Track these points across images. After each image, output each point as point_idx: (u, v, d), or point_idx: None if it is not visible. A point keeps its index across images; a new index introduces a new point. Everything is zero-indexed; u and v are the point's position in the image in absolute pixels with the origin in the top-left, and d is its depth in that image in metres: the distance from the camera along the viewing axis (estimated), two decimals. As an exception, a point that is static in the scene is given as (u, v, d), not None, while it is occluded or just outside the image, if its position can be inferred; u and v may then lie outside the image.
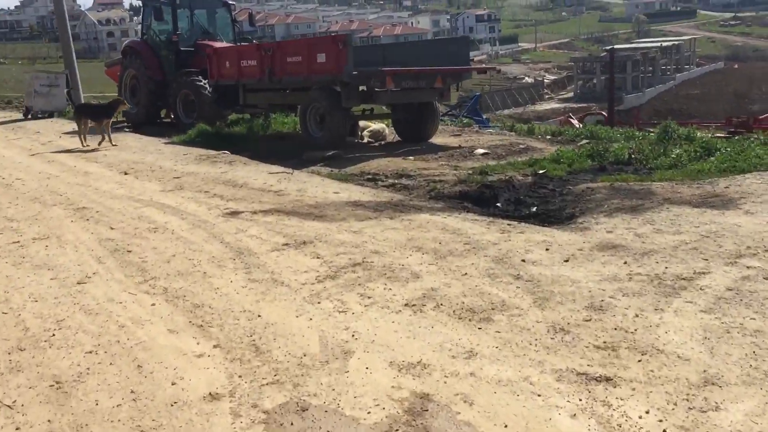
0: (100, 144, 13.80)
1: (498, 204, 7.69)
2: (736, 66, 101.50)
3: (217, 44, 17.13)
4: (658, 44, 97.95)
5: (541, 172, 8.89)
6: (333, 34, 12.99)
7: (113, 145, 13.95)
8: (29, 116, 21.28)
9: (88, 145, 13.69)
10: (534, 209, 7.36)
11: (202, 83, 16.08)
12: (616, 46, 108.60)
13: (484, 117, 20.41)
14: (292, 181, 9.33)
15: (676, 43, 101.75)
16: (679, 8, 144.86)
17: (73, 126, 17.82)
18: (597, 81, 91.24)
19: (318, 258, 5.92)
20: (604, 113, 20.56)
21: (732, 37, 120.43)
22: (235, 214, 7.66)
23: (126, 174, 10.56)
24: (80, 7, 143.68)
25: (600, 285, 4.90)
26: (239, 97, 14.84)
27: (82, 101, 22.57)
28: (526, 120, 72.83)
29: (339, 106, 12.12)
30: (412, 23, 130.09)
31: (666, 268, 5.16)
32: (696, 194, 7.20)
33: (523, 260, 5.52)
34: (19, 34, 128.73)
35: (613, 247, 5.70)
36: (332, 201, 8.00)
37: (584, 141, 12.07)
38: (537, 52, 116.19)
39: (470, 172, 9.39)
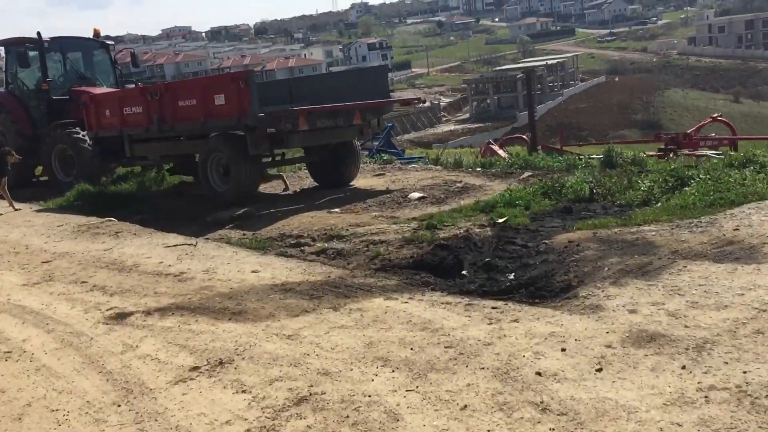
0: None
1: (464, 272, 6.05)
2: (617, 79, 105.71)
3: (96, 90, 14.89)
4: (544, 62, 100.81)
5: (500, 221, 7.34)
6: (231, 72, 11.05)
7: (16, 210, 11.59)
8: None
9: None
10: (512, 277, 5.75)
11: (80, 135, 13.79)
12: (503, 67, 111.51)
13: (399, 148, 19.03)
14: (196, 257, 7.38)
15: (560, 60, 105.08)
16: (558, 27, 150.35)
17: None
18: (491, 101, 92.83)
19: (243, 392, 4.07)
20: (524, 137, 19.47)
21: (610, 52, 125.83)
22: (121, 317, 5.67)
23: (-19, 261, 8.31)
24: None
25: (670, 415, 3.31)
26: (125, 148, 12.70)
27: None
28: (427, 143, 72.84)
29: (245, 153, 10.25)
30: (305, 55, 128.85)
31: (745, 372, 3.63)
32: (705, 242, 5.80)
33: (539, 373, 3.87)
34: None
35: (651, 339, 4.14)
36: (252, 285, 6.13)
37: (526, 174, 10.70)
38: (430, 76, 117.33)
39: (414, 226, 7.74)
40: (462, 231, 7.19)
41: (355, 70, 12.81)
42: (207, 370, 4.44)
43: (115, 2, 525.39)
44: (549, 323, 4.55)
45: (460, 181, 10.89)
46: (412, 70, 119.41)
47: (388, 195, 10.21)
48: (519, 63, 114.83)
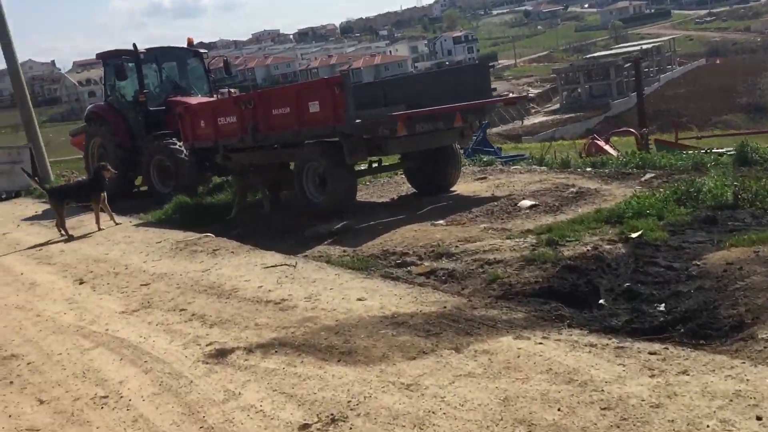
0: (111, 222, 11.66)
1: (601, 301, 5.23)
2: (718, 61, 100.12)
3: (191, 100, 14.77)
4: (638, 47, 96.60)
5: (634, 236, 6.44)
6: (326, 77, 10.52)
7: (117, 224, 11.60)
8: (-8, 199, 18.86)
9: (71, 236, 11.26)
10: (662, 308, 4.89)
11: (177, 146, 13.70)
12: (595, 54, 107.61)
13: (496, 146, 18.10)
14: (296, 280, 6.86)
15: (655, 44, 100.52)
16: (653, 10, 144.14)
17: (35, 208, 15.47)
18: (582, 90, 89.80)
19: (363, 463, 3.45)
20: (632, 130, 18.12)
21: (709, 33, 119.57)
22: (222, 354, 5.18)
23: (81, 283, 8.09)
24: (60, 70, 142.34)
25: None
26: (219, 156, 12.43)
27: (50, 175, 20.23)
28: (516, 136, 70.96)
29: (342, 162, 9.71)
30: (390, 52, 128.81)
31: None
32: None
33: (733, 452, 3.06)
34: (1, 102, 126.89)
35: None
36: (359, 317, 5.52)
37: (648, 176, 9.67)
38: (518, 67, 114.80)
39: (532, 241, 6.95)
40: (590, 248, 6.35)
41: (454, 68, 12.04)
42: (318, 429, 3.85)
43: (208, 10, 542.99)
44: (729, 377, 3.70)
45: (573, 185, 9.97)
46: (499, 61, 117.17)
47: (495, 203, 9.42)
48: (611, 49, 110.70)
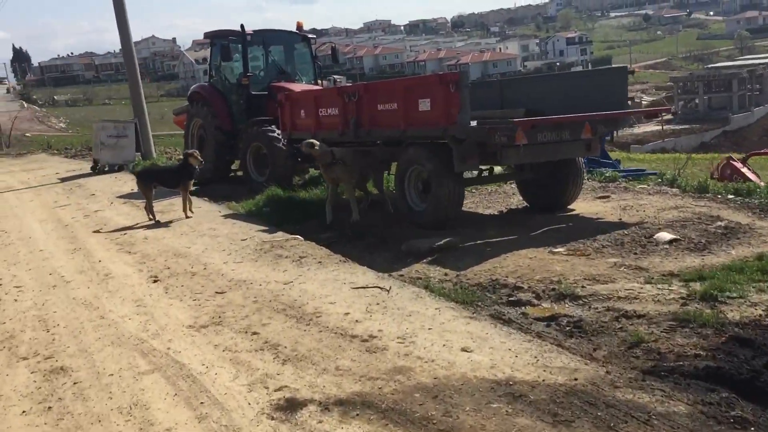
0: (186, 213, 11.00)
1: (793, 398, 3.87)
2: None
3: (295, 86, 13.98)
4: (766, 60, 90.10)
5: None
6: (440, 73, 9.32)
7: (190, 214, 10.99)
8: (96, 170, 18.86)
9: (158, 221, 10.72)
10: None
11: (275, 134, 12.93)
12: (717, 64, 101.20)
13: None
14: (389, 310, 5.78)
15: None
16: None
17: (133, 185, 15.10)
18: (700, 101, 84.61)
19: None
20: (771, 152, 16.00)
21: None
22: (292, 408, 4.16)
23: (156, 281, 7.33)
24: (180, 47, 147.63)
25: None
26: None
27: (153, 153, 20.08)
28: (625, 144, 67.39)
29: (449, 169, 8.57)
30: (500, 49, 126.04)
31: None
32: None
33: None
34: (123, 75, 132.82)
35: None
36: (464, 377, 4.38)
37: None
38: (632, 73, 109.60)
39: (681, 291, 5.59)
40: (763, 312, 4.94)
41: (586, 71, 10.60)
42: None
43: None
44: None
45: (717, 216, 8.43)
46: (613, 66, 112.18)
47: (625, 231, 8.02)
48: (735, 60, 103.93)
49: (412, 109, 8.83)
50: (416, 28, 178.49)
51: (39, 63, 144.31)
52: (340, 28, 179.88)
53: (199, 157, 11.23)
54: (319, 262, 7.47)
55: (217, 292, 6.71)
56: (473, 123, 8.13)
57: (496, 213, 10.17)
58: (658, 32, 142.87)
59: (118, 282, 7.44)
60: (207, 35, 15.35)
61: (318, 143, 9.59)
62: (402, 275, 7.00)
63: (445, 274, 6.92)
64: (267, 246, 8.42)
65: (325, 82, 15.88)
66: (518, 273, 6.66)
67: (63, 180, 17.91)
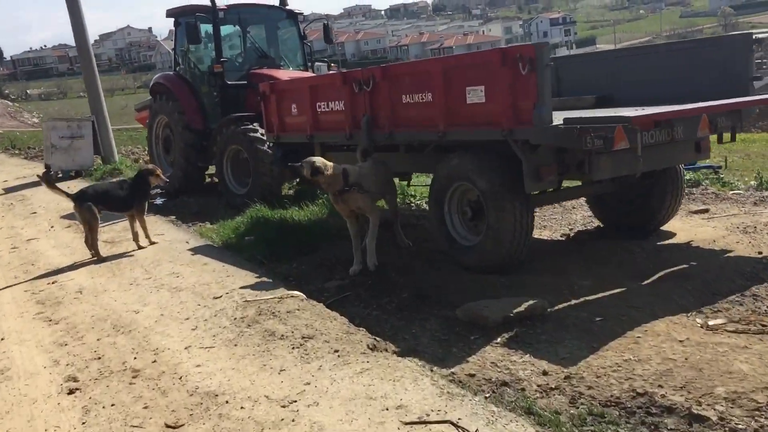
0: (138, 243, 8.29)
1: None
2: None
3: (281, 74, 11.11)
4: (752, 37, 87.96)
5: None
6: (504, 47, 6.39)
7: (144, 244, 8.22)
8: (46, 179, 15.82)
9: (103, 258, 7.92)
10: None
11: (258, 134, 10.09)
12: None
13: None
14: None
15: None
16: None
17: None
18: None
19: None
20: None
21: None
22: None
23: (71, 392, 4.50)
24: (156, 37, 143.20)
25: None
26: (316, 153, 8.75)
27: (115, 155, 17.08)
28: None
29: (514, 188, 5.82)
30: (483, 31, 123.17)
31: None
32: None
33: None
34: (98, 67, 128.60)
35: None
36: None
37: None
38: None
39: None
40: None
41: (693, 42, 7.78)
42: None
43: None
44: None
45: None
46: (597, 46, 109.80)
47: (788, 278, 5.31)
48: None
49: (457, 102, 6.04)
50: (397, 12, 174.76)
51: (11, 56, 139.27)
52: (321, 14, 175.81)
53: (163, 176, 8.42)
54: (336, 351, 4.65)
55: (168, 426, 3.90)
56: (560, 122, 5.34)
57: (560, 237, 7.43)
58: (641, 11, 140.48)
59: (13, 393, 4.61)
60: (169, 13, 12.38)
61: (328, 164, 6.61)
62: (474, 376, 4.23)
63: (545, 373, 4.16)
64: (252, 312, 5.60)
65: (315, 69, 12.96)
66: (676, 378, 3.91)
67: (7, 191, 14.90)
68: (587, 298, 5.25)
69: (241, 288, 6.28)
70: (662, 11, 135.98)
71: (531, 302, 5.00)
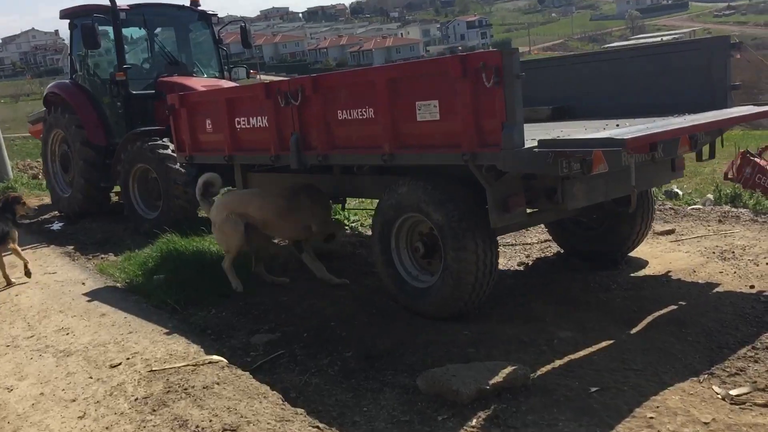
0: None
1: None
2: (738, 56, 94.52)
3: (193, 82, 9.85)
4: (659, 39, 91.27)
5: None
6: (466, 53, 5.41)
7: (15, 281, 6.84)
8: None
9: None
10: None
11: (168, 151, 8.82)
12: (612, 45, 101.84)
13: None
14: None
15: (675, 36, 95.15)
16: (670, 1, 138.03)
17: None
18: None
19: None
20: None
21: (728, 27, 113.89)
22: None
23: None
24: (63, 40, 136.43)
25: None
26: (236, 179, 7.59)
27: (10, 173, 15.26)
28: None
29: (476, 221, 4.88)
30: (402, 34, 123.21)
31: None
32: None
33: None
34: (2, 72, 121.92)
35: None
36: None
37: None
38: (531, 55, 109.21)
39: None
40: None
41: (664, 46, 6.97)
42: None
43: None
44: None
45: None
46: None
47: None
48: (628, 40, 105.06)
49: (405, 119, 5.03)
50: (315, 14, 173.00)
51: None
52: (236, 16, 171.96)
53: (29, 206, 7.12)
54: (270, 450, 3.55)
55: None
56: (534, 145, 4.40)
57: (518, 267, 6.55)
58: (553, 14, 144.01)
59: None
60: (63, 14, 10.86)
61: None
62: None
63: (543, 477, 3.20)
64: (159, 388, 4.41)
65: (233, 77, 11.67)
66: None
67: None
68: (572, 356, 4.33)
69: (147, 349, 5.08)
70: (573, 14, 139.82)
71: (509, 369, 4.03)
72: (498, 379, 3.96)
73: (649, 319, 4.80)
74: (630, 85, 6.22)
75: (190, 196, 8.87)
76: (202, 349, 5.01)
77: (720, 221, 7.36)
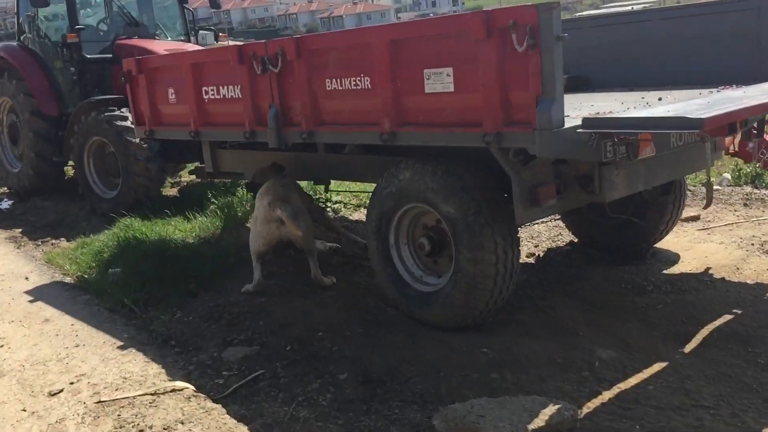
0: None
1: None
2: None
3: (155, 45, 8.74)
4: (630, 7, 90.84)
5: None
6: (492, 10, 4.46)
7: None
8: None
9: None
10: None
11: (128, 123, 7.73)
12: (582, 13, 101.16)
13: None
14: None
15: (647, 5, 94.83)
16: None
17: None
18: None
19: None
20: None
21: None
22: None
23: None
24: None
25: None
26: (204, 156, 6.59)
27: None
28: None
29: (497, 215, 4.01)
30: (372, 0, 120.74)
31: None
32: None
33: None
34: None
35: None
36: None
37: None
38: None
39: None
40: None
41: (697, 7, 6.05)
42: None
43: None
44: None
45: None
46: None
47: None
48: (600, 8, 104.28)
49: (410, 90, 4.09)
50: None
51: None
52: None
53: None
54: None
55: None
56: (577, 124, 3.51)
57: (527, 259, 5.70)
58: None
59: None
60: (7, -34, 9.57)
61: None
62: None
63: None
64: (108, 427, 3.48)
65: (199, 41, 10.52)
66: None
67: None
68: (622, 385, 3.50)
69: (96, 370, 4.13)
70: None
71: (552, 409, 3.19)
72: (539, 422, 3.12)
73: (704, 332, 3.99)
74: (658, 51, 5.36)
75: (153, 173, 7.93)
76: (164, 370, 4.08)
77: (745, 204, 6.59)
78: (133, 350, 4.38)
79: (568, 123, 3.54)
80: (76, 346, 4.52)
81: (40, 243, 7.40)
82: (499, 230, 4.05)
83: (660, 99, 4.44)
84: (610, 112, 3.95)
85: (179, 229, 6.85)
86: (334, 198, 7.87)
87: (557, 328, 4.16)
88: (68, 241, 7.33)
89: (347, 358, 4.11)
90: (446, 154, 4.26)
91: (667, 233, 5.51)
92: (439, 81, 3.95)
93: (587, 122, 3.49)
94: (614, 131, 3.49)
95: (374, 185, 4.68)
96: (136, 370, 4.09)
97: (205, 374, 4.12)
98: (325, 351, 4.22)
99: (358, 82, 4.36)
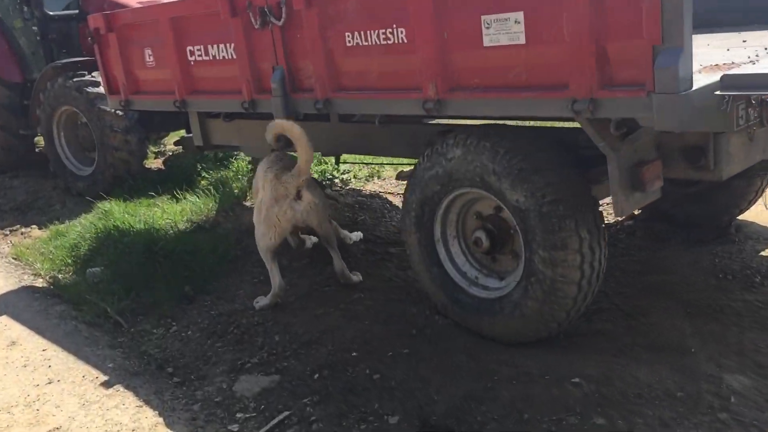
0: None
1: None
2: None
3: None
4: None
5: None
6: None
7: None
8: None
9: None
10: None
11: (101, 89, 6.61)
12: None
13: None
14: None
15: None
16: None
17: None
18: None
19: None
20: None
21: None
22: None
23: None
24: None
25: None
26: (192, 128, 5.54)
27: None
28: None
29: (583, 205, 3.07)
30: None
31: None
32: None
33: None
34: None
35: None
36: None
37: None
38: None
39: None
40: None
41: None
42: None
43: None
44: None
45: None
46: None
47: None
48: None
49: (463, 44, 3.08)
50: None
51: None
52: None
53: None
54: None
55: None
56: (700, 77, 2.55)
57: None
58: None
59: None
60: None
61: None
62: None
63: None
64: None
65: None
66: None
67: None
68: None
69: (74, 422, 3.21)
70: None
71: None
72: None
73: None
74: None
75: (133, 146, 6.88)
76: (162, 419, 3.16)
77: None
78: (121, 388, 3.45)
79: (697, 83, 2.56)
80: (49, 383, 3.58)
81: (8, 233, 6.38)
82: (583, 222, 3.11)
83: (744, 41, 3.50)
84: (733, 63, 2.96)
85: (167, 212, 5.85)
86: (342, 167, 6.86)
87: (659, 341, 3.27)
88: (40, 228, 6.33)
89: (394, 390, 3.20)
90: (504, 126, 3.28)
91: (752, 205, 4.59)
92: (504, 30, 2.93)
93: (729, 80, 2.51)
94: (764, 93, 2.52)
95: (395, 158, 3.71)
96: (126, 420, 3.17)
97: (214, 417, 3.22)
98: (364, 380, 3.31)
99: (390, 36, 3.34)
